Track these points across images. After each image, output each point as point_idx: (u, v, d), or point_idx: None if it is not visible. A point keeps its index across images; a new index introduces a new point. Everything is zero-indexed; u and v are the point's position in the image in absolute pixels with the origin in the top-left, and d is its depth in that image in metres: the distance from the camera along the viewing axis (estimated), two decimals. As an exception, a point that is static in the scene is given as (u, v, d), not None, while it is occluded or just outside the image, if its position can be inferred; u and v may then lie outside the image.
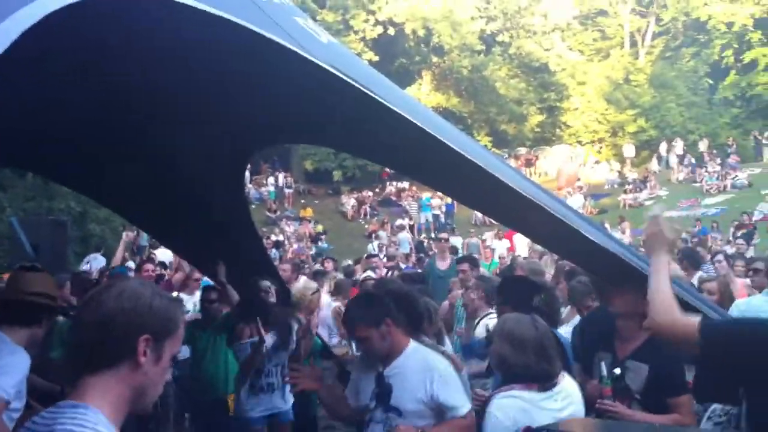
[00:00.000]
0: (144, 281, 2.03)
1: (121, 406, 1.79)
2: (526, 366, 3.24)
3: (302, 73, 3.15)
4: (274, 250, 22.55)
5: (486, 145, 41.95)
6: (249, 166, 35.29)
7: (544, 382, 3.26)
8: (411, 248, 24.56)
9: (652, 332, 4.02)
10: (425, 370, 3.84)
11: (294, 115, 4.52)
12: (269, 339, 6.04)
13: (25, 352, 3.43)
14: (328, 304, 8.99)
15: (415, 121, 3.18)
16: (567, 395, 3.34)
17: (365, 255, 20.51)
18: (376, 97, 3.13)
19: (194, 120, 4.85)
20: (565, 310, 6.04)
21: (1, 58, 1.69)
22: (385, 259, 17.04)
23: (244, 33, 2.61)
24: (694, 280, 8.68)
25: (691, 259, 8.91)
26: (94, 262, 14.39)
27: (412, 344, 4.01)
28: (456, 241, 24.08)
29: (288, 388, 6.07)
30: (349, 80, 3.04)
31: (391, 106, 3.12)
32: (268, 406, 6.14)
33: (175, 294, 9.02)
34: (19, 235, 10.48)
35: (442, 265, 10.84)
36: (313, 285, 8.20)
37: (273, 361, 6.13)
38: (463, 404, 3.80)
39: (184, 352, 7.00)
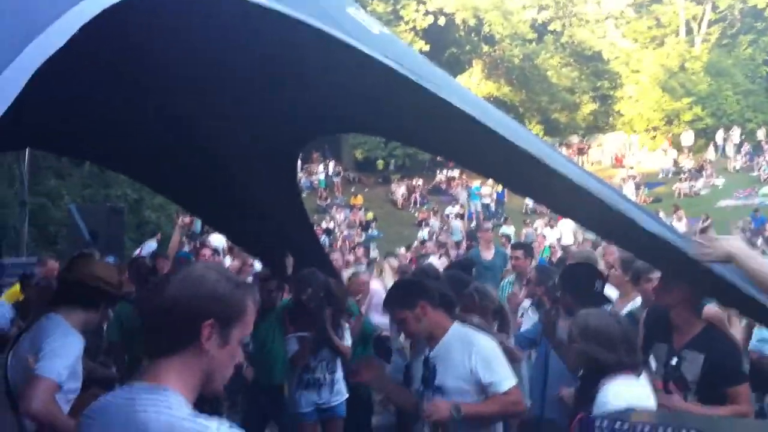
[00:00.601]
0: (210, 264, 2.03)
1: (193, 389, 1.82)
2: (619, 362, 3.23)
3: (355, 64, 3.18)
4: (324, 237, 22.76)
5: (537, 134, 41.79)
6: (300, 154, 35.89)
7: (636, 371, 3.27)
8: (463, 236, 24.49)
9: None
10: (465, 347, 3.89)
11: (346, 105, 4.55)
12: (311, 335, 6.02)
13: (79, 335, 3.47)
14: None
15: (465, 109, 3.19)
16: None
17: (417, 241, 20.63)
18: (428, 86, 3.14)
19: (247, 111, 4.92)
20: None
21: (62, 50, 1.75)
22: (436, 247, 17.06)
23: (297, 26, 2.64)
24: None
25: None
26: (146, 248, 14.67)
27: (456, 325, 4.06)
28: (509, 230, 24.00)
29: (337, 383, 6.14)
30: (400, 70, 3.06)
31: (442, 95, 3.13)
32: (317, 401, 6.10)
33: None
34: (77, 222, 10.75)
35: (487, 255, 10.58)
36: (360, 269, 8.23)
37: (318, 357, 6.07)
38: (503, 379, 3.80)
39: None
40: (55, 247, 17.39)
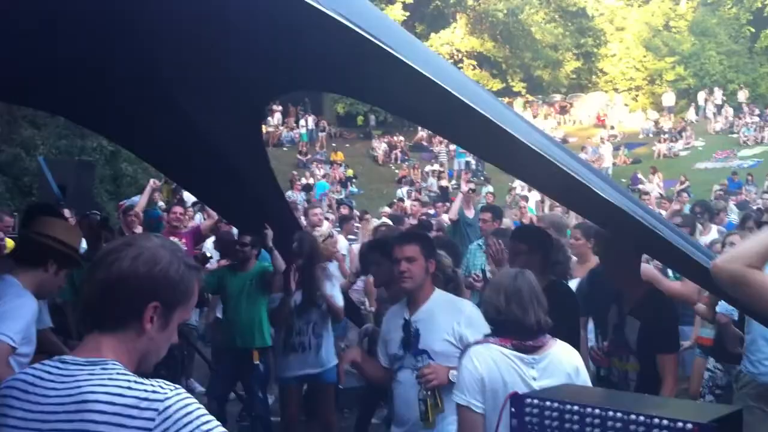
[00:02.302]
0: (167, 243, 1.91)
1: (129, 367, 1.77)
2: (497, 310, 3.12)
3: (308, 22, 3.12)
4: (303, 194, 22.64)
5: (520, 91, 41.63)
6: (280, 108, 35.43)
7: (517, 333, 3.11)
8: (438, 195, 24.50)
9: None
10: (453, 312, 3.94)
11: (303, 62, 4.48)
12: (298, 295, 5.89)
13: (32, 296, 3.37)
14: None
15: (415, 66, 3.13)
16: (549, 367, 3.13)
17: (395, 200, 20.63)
18: (378, 42, 3.08)
19: (210, 71, 4.85)
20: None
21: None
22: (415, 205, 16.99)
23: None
24: (714, 233, 8.59)
25: (708, 212, 8.79)
26: (128, 204, 14.52)
27: (437, 290, 4.12)
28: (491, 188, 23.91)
29: (324, 348, 5.92)
30: (348, 24, 3.00)
31: (391, 50, 3.07)
32: (302, 366, 5.93)
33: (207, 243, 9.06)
34: (46, 175, 10.60)
35: (469, 213, 11.05)
36: (327, 229, 8.18)
37: (303, 318, 5.91)
38: None
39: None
40: (29, 199, 17.24)
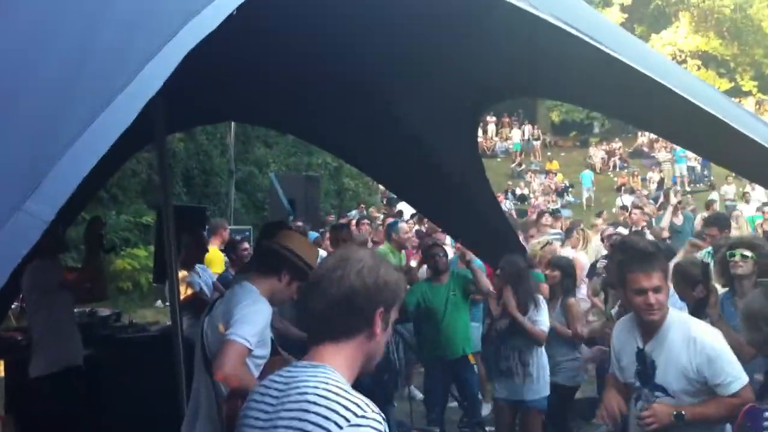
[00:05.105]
0: (374, 254, 2.12)
1: (355, 369, 1.96)
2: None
3: (527, 27, 3.10)
4: (510, 203, 22.49)
5: (751, 90, 38.65)
6: (494, 119, 35.48)
7: None
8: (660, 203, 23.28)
9: None
10: (686, 340, 3.44)
11: (520, 70, 4.44)
12: (504, 321, 5.78)
13: (267, 302, 3.53)
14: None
15: (644, 71, 3.01)
16: None
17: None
18: (603, 47, 3.00)
19: (428, 82, 4.94)
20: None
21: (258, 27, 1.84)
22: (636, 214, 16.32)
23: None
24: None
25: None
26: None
27: (672, 311, 3.61)
28: (714, 196, 22.43)
29: (535, 375, 5.72)
30: (571, 30, 2.94)
31: (617, 55, 2.98)
32: (510, 392, 5.78)
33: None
34: (277, 191, 11.33)
35: (677, 220, 11.56)
36: (546, 238, 8.04)
37: (508, 344, 5.79)
38: (734, 379, 3.35)
39: None
40: (262, 214, 18.54)
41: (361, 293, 1.91)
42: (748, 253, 4.53)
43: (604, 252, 8.35)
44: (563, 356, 6.06)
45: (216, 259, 8.29)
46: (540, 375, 5.72)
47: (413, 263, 8.37)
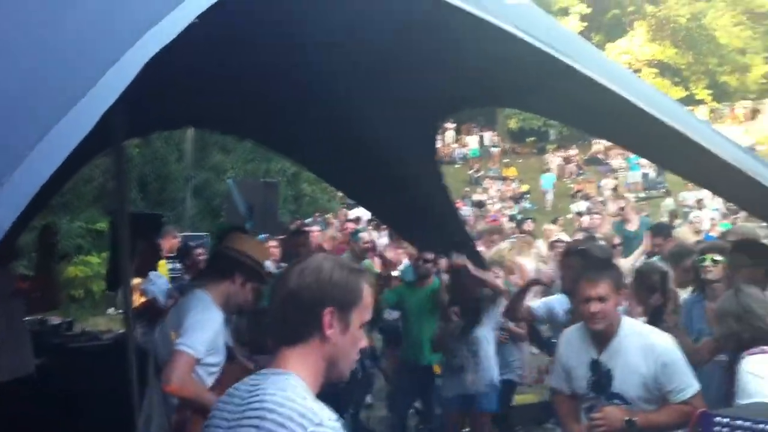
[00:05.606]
0: (328, 255, 2.13)
1: (318, 377, 1.92)
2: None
3: (485, 37, 3.13)
4: (468, 209, 22.58)
5: (704, 99, 39.45)
6: (454, 125, 35.62)
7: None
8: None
9: None
10: (644, 348, 3.48)
11: (480, 79, 4.49)
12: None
13: (219, 310, 3.52)
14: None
15: (600, 80, 3.06)
16: None
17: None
18: (560, 56, 3.04)
19: (386, 90, 4.96)
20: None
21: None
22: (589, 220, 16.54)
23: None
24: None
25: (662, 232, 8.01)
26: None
27: (626, 320, 3.65)
28: (668, 203, 22.84)
29: (481, 372, 5.77)
30: (529, 40, 2.98)
31: (574, 64, 3.02)
32: (460, 388, 5.81)
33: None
34: (234, 196, 11.22)
35: (630, 226, 11.39)
36: (507, 244, 8.09)
37: (462, 341, 5.80)
38: (687, 387, 3.43)
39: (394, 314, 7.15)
40: (219, 221, 18.33)
41: (303, 292, 1.89)
42: (718, 257, 4.65)
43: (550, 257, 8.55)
44: (512, 356, 6.56)
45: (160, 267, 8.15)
46: (489, 366, 5.79)
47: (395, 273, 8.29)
